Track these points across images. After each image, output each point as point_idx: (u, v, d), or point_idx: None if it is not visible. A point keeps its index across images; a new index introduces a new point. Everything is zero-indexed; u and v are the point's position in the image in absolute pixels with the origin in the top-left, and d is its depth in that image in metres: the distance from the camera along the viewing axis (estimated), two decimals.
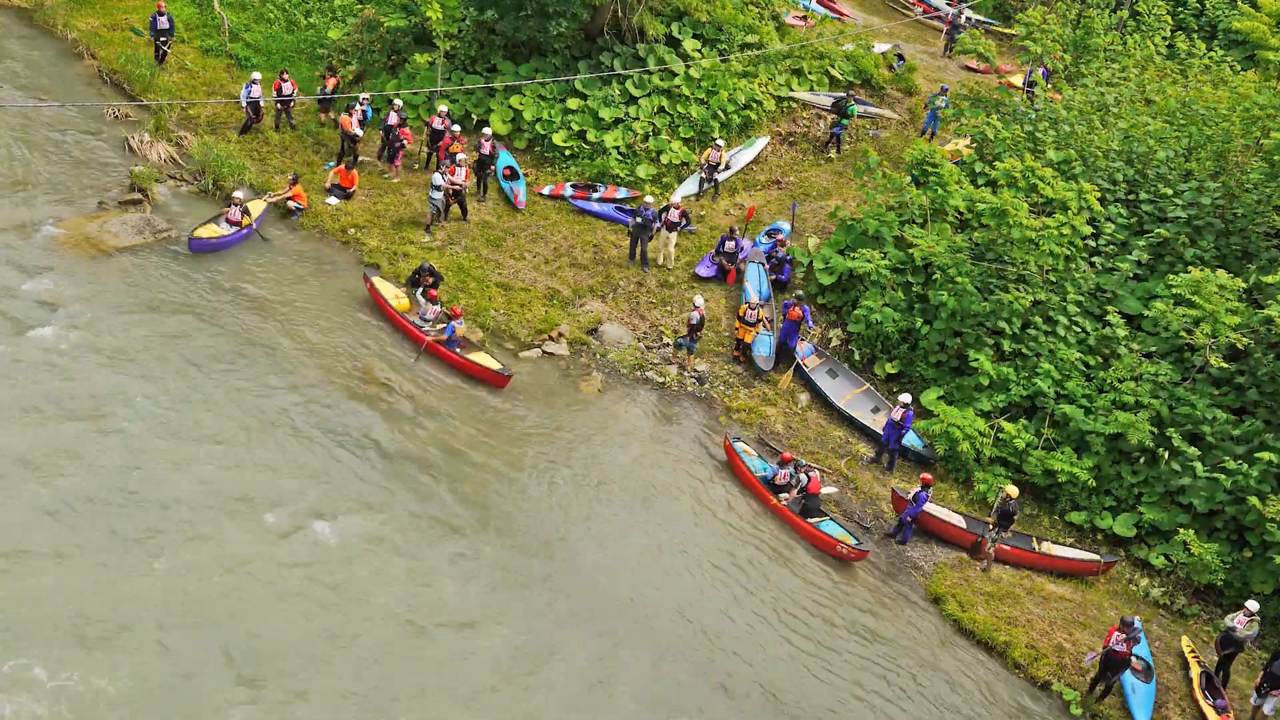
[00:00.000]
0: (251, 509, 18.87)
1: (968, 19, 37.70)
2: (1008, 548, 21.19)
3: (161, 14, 29.55)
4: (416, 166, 28.27)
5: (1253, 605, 19.45)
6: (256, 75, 28.03)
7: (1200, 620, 21.06)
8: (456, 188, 26.17)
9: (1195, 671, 19.71)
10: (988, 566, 21.04)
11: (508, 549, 19.42)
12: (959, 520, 21.65)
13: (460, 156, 26.35)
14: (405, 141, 27.67)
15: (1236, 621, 19.45)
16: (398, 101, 27.74)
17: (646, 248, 26.27)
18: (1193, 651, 20.16)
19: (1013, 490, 20.82)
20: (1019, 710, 18.91)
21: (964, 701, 18.80)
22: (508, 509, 20.20)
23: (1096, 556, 21.25)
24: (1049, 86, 30.56)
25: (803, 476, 21.28)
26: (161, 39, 29.62)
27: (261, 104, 28.07)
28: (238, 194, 25.03)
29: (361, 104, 27.47)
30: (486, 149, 27.09)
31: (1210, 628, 20.90)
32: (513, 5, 28.38)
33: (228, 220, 24.74)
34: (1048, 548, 21.48)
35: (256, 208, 25.51)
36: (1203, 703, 19.23)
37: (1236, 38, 36.61)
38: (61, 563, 17.19)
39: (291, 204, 25.99)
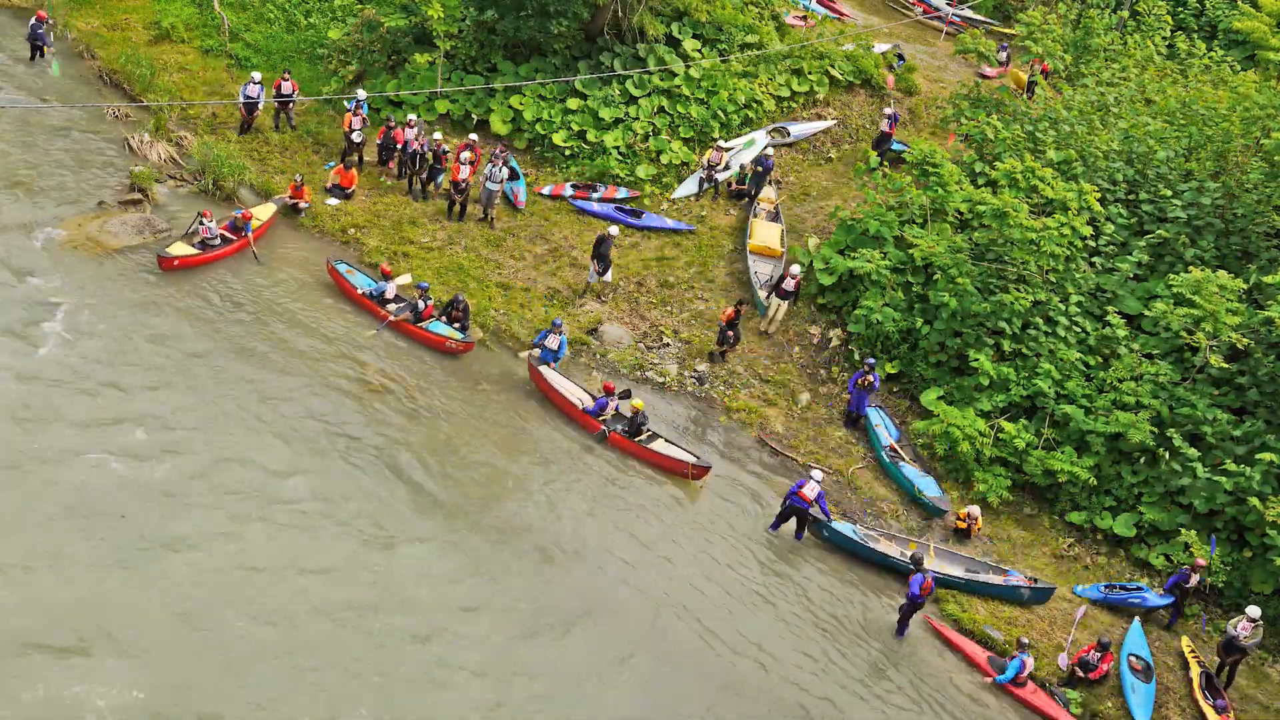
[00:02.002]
0: (253, 509, 18.85)
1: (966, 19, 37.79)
2: (621, 438, 21.89)
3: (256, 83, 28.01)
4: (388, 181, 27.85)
5: (1254, 611, 19.43)
6: (257, 75, 28.00)
7: (1200, 620, 21.04)
8: (462, 186, 26.24)
9: (1195, 671, 19.72)
10: (604, 438, 21.88)
11: (508, 549, 19.43)
12: (580, 399, 22.30)
13: (465, 155, 26.36)
14: (398, 144, 27.54)
15: (1240, 629, 19.40)
16: (411, 117, 27.44)
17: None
18: (1193, 651, 20.18)
19: (639, 404, 21.89)
20: (1019, 710, 18.91)
21: (964, 701, 18.79)
22: (511, 511, 20.21)
23: (693, 459, 21.51)
24: (1047, 85, 30.51)
25: (622, 406, 22.07)
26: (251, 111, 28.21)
27: (260, 104, 28.02)
28: (206, 218, 24.06)
29: (359, 104, 27.38)
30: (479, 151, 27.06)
31: (1210, 628, 20.90)
32: (513, 5, 28.38)
33: (204, 240, 24.07)
34: (658, 444, 21.91)
35: (265, 211, 25.33)
36: (1203, 703, 19.24)
37: (1236, 38, 36.63)
38: (61, 563, 17.17)
39: (300, 204, 25.97)
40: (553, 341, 22.70)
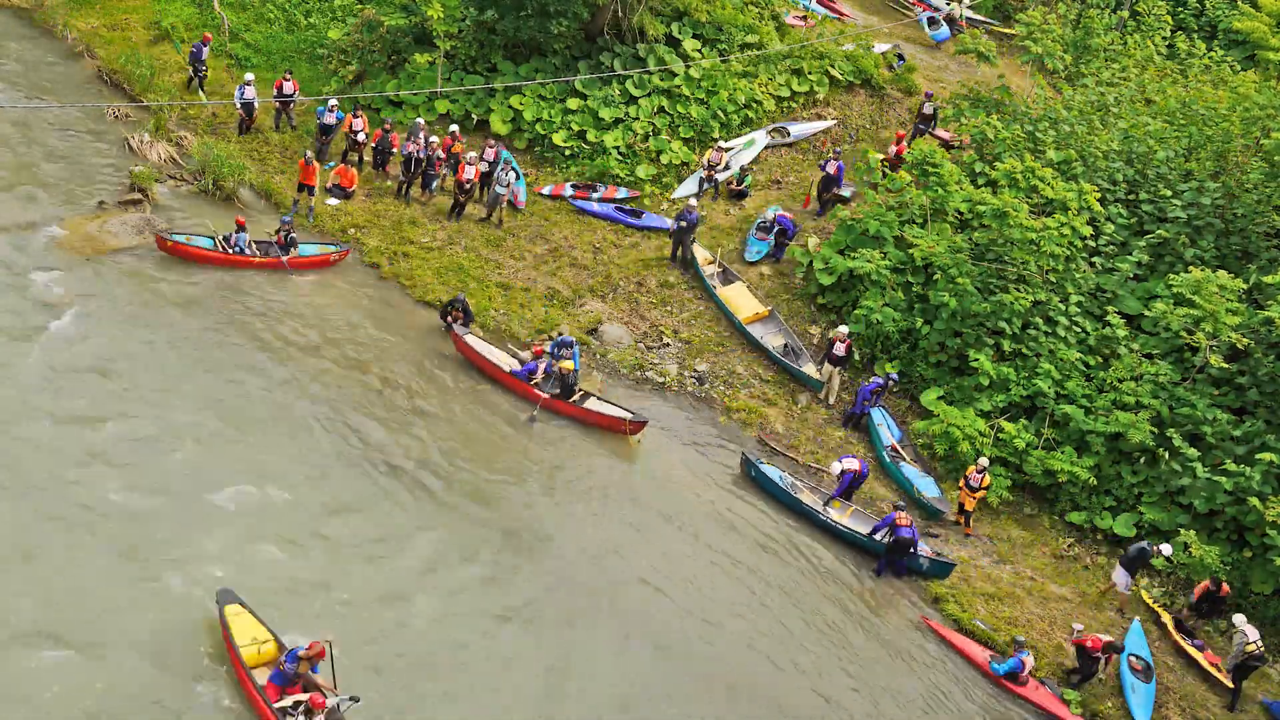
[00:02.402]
0: (255, 509, 18.86)
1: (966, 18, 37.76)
2: (554, 400, 22.11)
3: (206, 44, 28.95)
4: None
5: (843, 330, 22.96)
6: (249, 76, 27.99)
7: (1200, 621, 21.04)
8: (467, 186, 26.26)
9: (1167, 618, 20.55)
10: (534, 419, 21.88)
11: (508, 546, 19.43)
12: (509, 365, 22.56)
13: (470, 155, 26.36)
14: (394, 147, 27.54)
15: (1248, 636, 19.32)
16: (421, 121, 27.54)
17: (690, 250, 26.05)
18: (1156, 601, 20.93)
19: (568, 364, 22.02)
20: (1018, 710, 18.91)
21: (963, 701, 18.78)
22: (511, 511, 20.21)
23: (628, 415, 22.04)
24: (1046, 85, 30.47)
25: (552, 364, 22.20)
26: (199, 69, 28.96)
27: (255, 105, 28.01)
28: (240, 226, 24.14)
29: (331, 109, 27.32)
30: (490, 155, 27.05)
31: (1210, 627, 20.91)
32: (513, 5, 28.39)
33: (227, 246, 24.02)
34: (591, 403, 22.31)
35: (312, 249, 24.80)
36: (1183, 643, 20.10)
37: (1236, 38, 36.63)
38: (59, 565, 17.17)
39: (341, 183, 26.46)
40: (562, 355, 22.54)
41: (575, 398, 22.26)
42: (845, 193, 28.24)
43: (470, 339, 22.91)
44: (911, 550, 20.24)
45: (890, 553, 20.31)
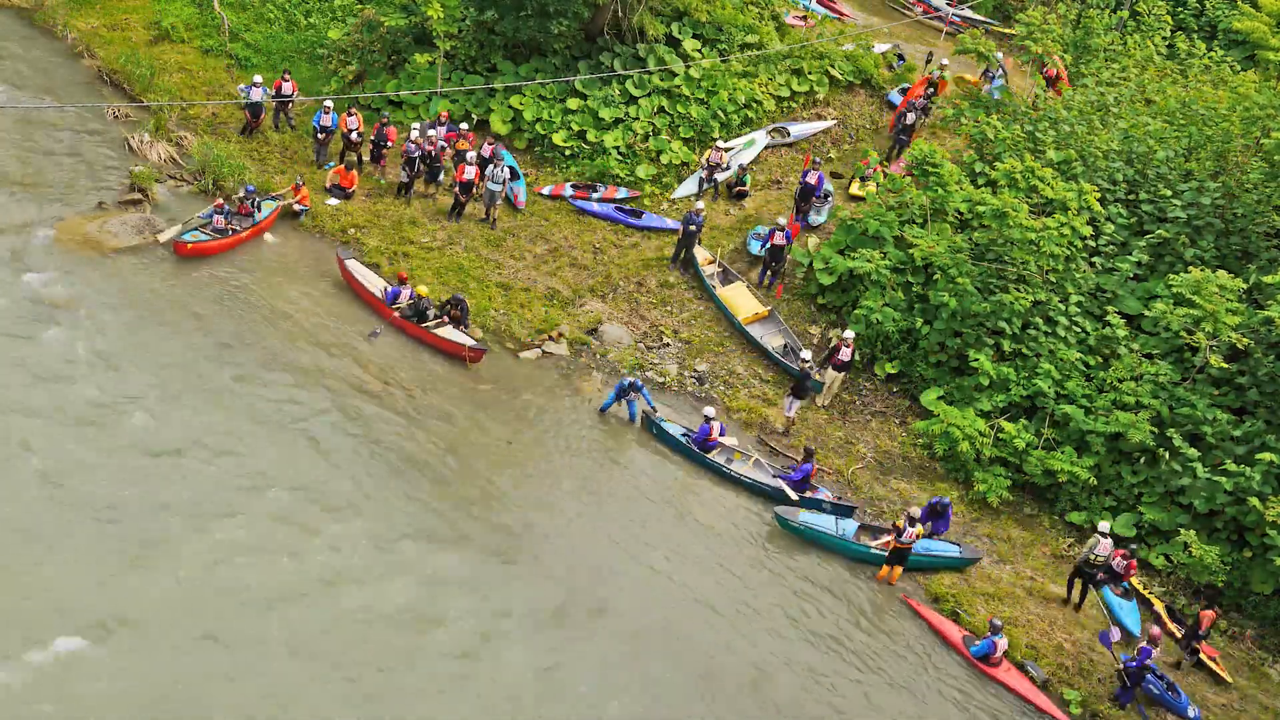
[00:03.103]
0: (254, 510, 18.87)
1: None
2: (404, 321, 23.18)
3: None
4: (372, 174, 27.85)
5: (849, 334, 22.61)
6: (258, 78, 27.99)
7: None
8: (467, 186, 26.28)
9: (1160, 606, 20.74)
10: (376, 333, 23.09)
11: (507, 550, 19.44)
12: (374, 286, 23.57)
13: (471, 155, 26.37)
14: (389, 141, 27.53)
15: (1100, 550, 20.17)
16: (424, 123, 27.52)
17: (693, 253, 25.99)
18: (1146, 587, 21.13)
19: (423, 290, 23.13)
20: (1019, 710, 18.90)
21: (963, 701, 18.79)
22: (512, 512, 20.22)
23: (470, 342, 22.98)
24: (1049, 92, 30.34)
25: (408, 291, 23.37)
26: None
27: (262, 107, 28.00)
28: (220, 208, 24.46)
29: (327, 110, 27.31)
30: (487, 151, 27.03)
31: (1210, 627, 20.90)
32: (513, 5, 28.37)
33: (214, 227, 24.36)
34: (444, 330, 23.14)
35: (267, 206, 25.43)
36: (1177, 632, 20.31)
37: (1236, 38, 36.59)
38: (59, 566, 17.19)
39: (296, 206, 25.97)
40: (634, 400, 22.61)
41: (429, 323, 23.25)
42: (821, 218, 27.75)
43: (352, 265, 24.17)
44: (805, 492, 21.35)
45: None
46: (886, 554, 20.28)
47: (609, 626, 18.54)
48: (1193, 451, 21.58)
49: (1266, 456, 20.91)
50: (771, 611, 19.48)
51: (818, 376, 23.73)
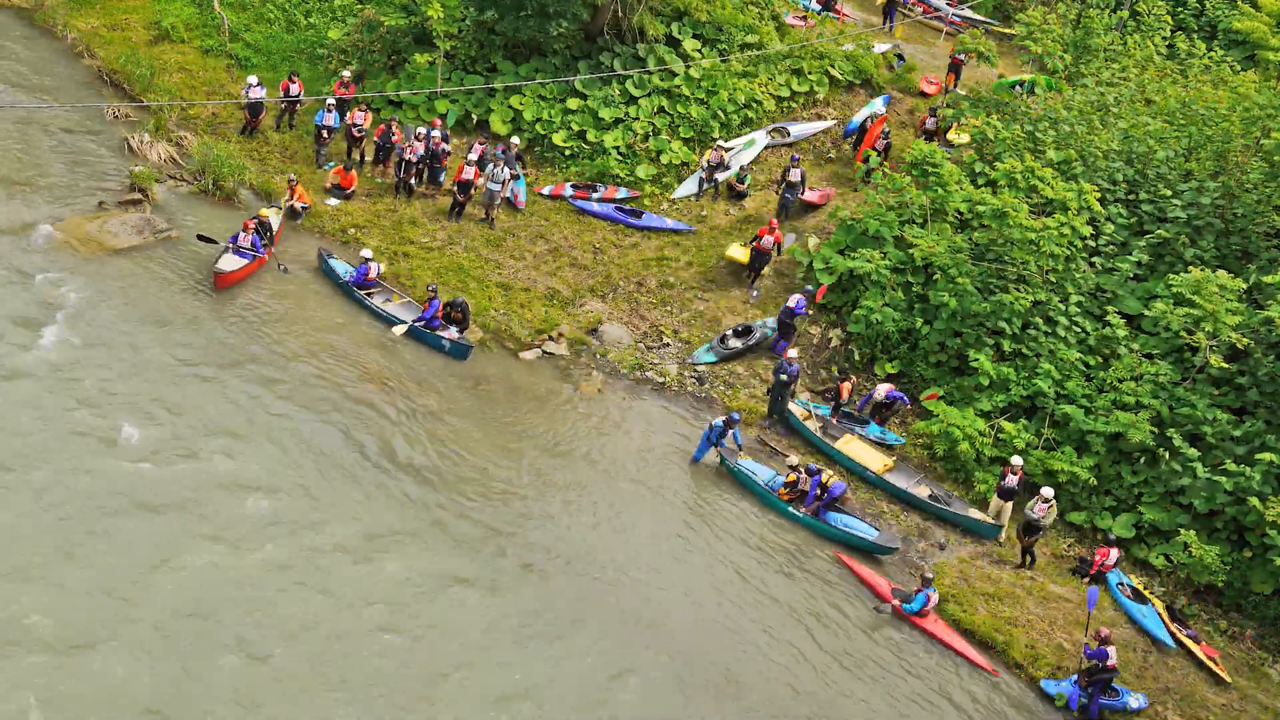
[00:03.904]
0: (255, 510, 18.86)
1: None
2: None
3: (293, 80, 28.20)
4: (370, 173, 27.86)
5: (1048, 492, 20.84)
6: (252, 79, 27.96)
7: (1200, 620, 21.05)
8: (466, 186, 26.32)
9: (1159, 606, 20.62)
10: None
11: (506, 551, 19.44)
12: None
13: (471, 156, 26.37)
14: (394, 141, 27.54)
15: (1037, 510, 20.74)
16: (420, 130, 27.44)
17: (788, 407, 23.16)
18: (1147, 588, 21.12)
19: (265, 213, 23.54)
20: (1019, 710, 18.90)
21: (963, 701, 18.79)
22: (513, 513, 20.21)
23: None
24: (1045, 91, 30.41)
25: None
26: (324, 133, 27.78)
27: (263, 107, 28.02)
28: (246, 229, 23.91)
29: (330, 109, 27.29)
30: (477, 153, 27.00)
31: (1210, 627, 20.91)
32: (513, 5, 28.38)
33: (239, 250, 23.77)
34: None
35: (274, 216, 25.17)
36: (1177, 632, 20.23)
37: (1236, 38, 36.60)
38: (61, 565, 17.18)
39: (296, 205, 25.95)
40: (729, 440, 21.97)
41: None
42: (813, 197, 28.22)
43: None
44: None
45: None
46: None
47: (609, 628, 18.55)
48: (1193, 451, 21.57)
49: (1266, 456, 20.90)
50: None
51: (986, 519, 21.80)
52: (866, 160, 28.27)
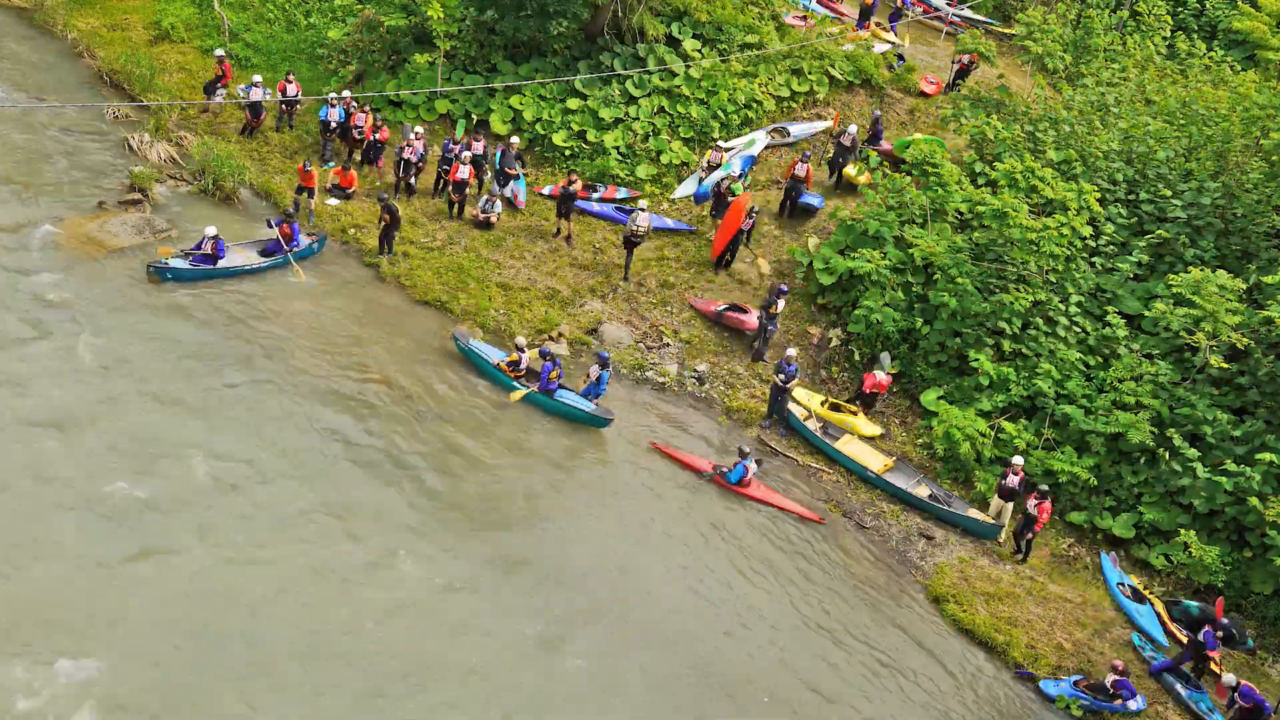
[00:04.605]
0: (255, 511, 18.86)
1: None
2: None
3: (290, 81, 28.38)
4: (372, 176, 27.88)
5: (1018, 460, 21.45)
6: (257, 78, 28.01)
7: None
8: (461, 186, 26.33)
9: (1159, 605, 20.67)
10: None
11: (510, 556, 19.44)
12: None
13: (466, 154, 26.38)
14: (381, 141, 27.58)
15: (1009, 480, 21.43)
16: (418, 129, 27.46)
17: (788, 408, 23.15)
18: (1147, 588, 21.20)
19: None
20: (1018, 710, 18.91)
21: (963, 701, 18.79)
22: (514, 514, 20.22)
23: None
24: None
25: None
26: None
27: (264, 107, 28.03)
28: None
29: (333, 104, 27.30)
30: (479, 149, 26.98)
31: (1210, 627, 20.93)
32: (513, 5, 28.39)
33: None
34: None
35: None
36: (1177, 632, 20.28)
37: (1236, 38, 36.64)
38: (63, 566, 17.19)
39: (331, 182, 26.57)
40: (593, 373, 22.41)
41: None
42: (815, 202, 27.96)
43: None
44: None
45: None
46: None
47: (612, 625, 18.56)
48: (1193, 451, 21.58)
49: (1266, 456, 20.91)
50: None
51: (985, 518, 21.81)
52: (725, 253, 26.21)
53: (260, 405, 20.94)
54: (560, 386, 22.35)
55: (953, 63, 32.60)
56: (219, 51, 28.43)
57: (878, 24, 35.39)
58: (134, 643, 16.32)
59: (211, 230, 23.53)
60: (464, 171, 26.33)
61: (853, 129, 28.55)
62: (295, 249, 23.94)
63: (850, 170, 28.45)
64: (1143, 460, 22.21)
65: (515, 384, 22.50)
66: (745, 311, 25.06)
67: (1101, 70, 31.03)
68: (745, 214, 26.04)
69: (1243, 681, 18.66)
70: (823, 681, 18.50)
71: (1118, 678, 18.69)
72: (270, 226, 24.52)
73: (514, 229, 26.98)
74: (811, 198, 28.06)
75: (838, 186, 28.80)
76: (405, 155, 26.71)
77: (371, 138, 27.51)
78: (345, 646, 17.09)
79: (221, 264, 23.55)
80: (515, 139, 28.01)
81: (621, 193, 28.33)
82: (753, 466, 21.32)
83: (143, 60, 29.81)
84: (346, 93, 27.77)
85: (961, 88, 30.95)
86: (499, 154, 27.52)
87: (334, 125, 27.40)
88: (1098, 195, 24.92)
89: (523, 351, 22.65)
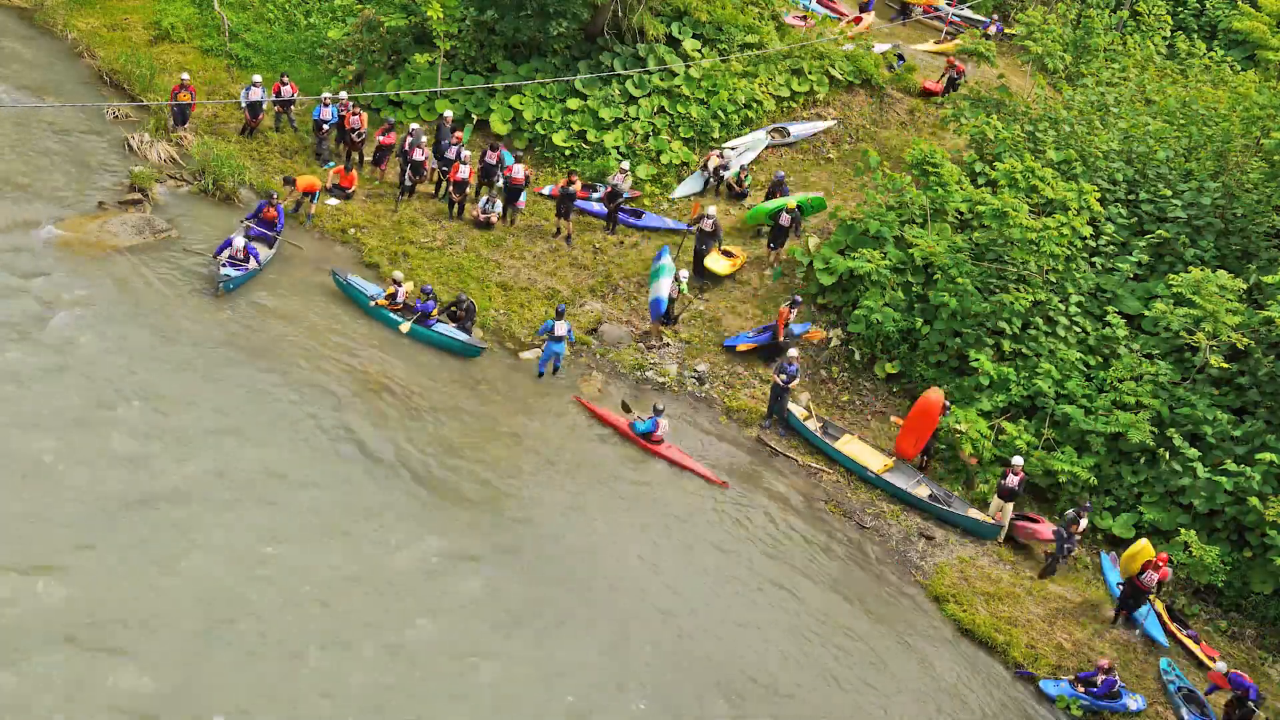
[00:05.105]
0: (255, 510, 18.88)
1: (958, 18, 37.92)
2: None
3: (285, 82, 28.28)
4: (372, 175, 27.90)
5: (1018, 460, 21.36)
6: (257, 78, 28.00)
7: (1200, 620, 21.06)
8: (461, 186, 26.29)
9: (1159, 606, 20.58)
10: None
11: (511, 552, 19.46)
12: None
13: (466, 154, 26.37)
14: (388, 143, 27.54)
15: (1010, 480, 21.38)
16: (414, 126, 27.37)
17: (789, 409, 23.00)
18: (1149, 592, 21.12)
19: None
20: (1019, 711, 18.91)
21: (964, 700, 18.80)
22: (514, 515, 20.23)
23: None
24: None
25: None
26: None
27: (262, 107, 28.02)
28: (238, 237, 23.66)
29: (326, 104, 27.28)
30: (492, 159, 26.96)
31: (1210, 628, 20.93)
32: (513, 5, 28.39)
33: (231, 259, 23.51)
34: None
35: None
36: (1178, 632, 20.29)
37: (1236, 38, 36.65)
38: (67, 566, 17.20)
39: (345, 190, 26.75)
40: (560, 328, 22.83)
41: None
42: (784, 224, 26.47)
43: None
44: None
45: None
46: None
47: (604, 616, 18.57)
48: (1193, 451, 21.58)
49: (1266, 456, 20.91)
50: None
51: (986, 518, 21.74)
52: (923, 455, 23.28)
53: (261, 403, 20.95)
54: (439, 321, 23.49)
55: (943, 74, 32.47)
56: (184, 75, 27.93)
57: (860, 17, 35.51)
58: (149, 638, 16.34)
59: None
60: (464, 171, 26.32)
61: (712, 210, 25.78)
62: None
63: (709, 260, 26.05)
64: (1143, 460, 22.21)
65: (395, 317, 23.37)
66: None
67: (1101, 70, 31.05)
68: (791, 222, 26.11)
69: (1232, 670, 18.74)
70: (822, 681, 18.51)
71: (1106, 677, 18.67)
72: (243, 225, 24.40)
73: (514, 229, 26.96)
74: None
75: (700, 277, 26.15)
76: (415, 157, 26.65)
77: (379, 139, 27.47)
78: (338, 655, 17.11)
79: (251, 265, 23.70)
80: (449, 112, 27.52)
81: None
82: (664, 424, 21.81)
83: (143, 60, 29.80)
84: (343, 94, 27.72)
85: (953, 97, 30.87)
86: (437, 129, 27.32)
87: (326, 124, 27.38)
88: (1098, 195, 24.92)
89: (399, 285, 23.50)
